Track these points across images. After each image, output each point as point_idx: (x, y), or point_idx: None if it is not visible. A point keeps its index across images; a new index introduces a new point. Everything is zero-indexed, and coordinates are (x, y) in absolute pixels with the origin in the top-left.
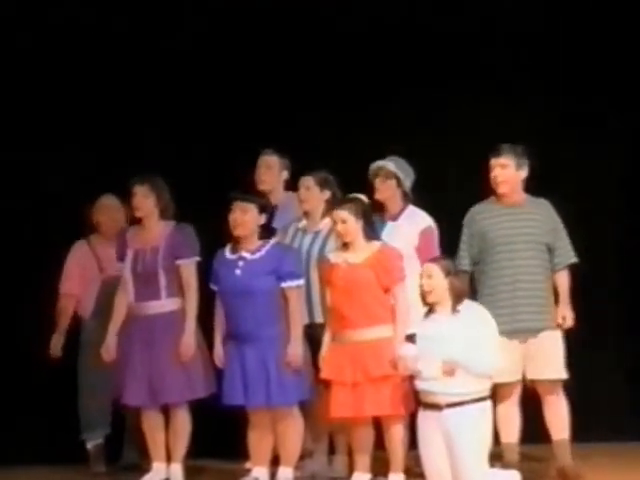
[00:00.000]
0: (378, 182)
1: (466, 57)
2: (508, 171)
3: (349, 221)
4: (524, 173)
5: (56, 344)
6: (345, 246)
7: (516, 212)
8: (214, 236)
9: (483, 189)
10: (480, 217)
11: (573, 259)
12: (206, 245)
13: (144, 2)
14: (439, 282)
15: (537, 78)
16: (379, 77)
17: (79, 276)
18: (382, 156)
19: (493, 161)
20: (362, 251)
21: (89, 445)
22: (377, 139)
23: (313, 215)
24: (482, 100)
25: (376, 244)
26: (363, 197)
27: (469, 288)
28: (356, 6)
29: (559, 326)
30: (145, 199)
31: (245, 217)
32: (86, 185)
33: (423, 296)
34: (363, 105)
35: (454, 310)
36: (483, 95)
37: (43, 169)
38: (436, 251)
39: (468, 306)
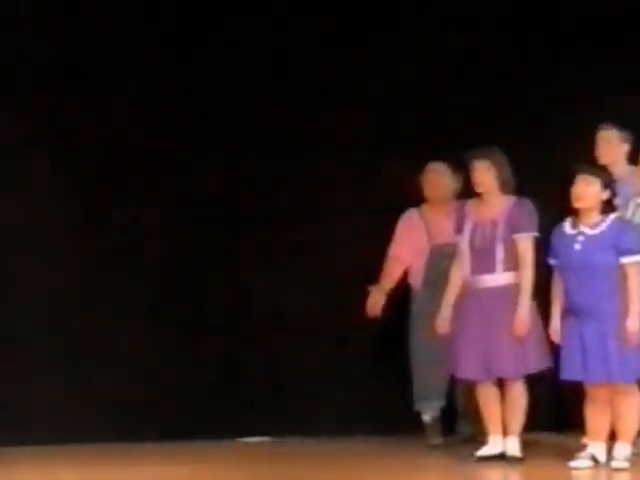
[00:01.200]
0: None
1: None
2: None
3: None
4: None
5: (375, 303)
6: None
7: None
8: (552, 212)
9: None
10: None
11: None
12: (545, 220)
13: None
14: None
15: None
16: None
17: (409, 244)
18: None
19: None
20: None
21: (425, 417)
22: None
23: None
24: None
25: None
26: None
27: None
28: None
29: None
30: (486, 174)
31: (588, 190)
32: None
33: None
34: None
35: None
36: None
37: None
38: None
39: None
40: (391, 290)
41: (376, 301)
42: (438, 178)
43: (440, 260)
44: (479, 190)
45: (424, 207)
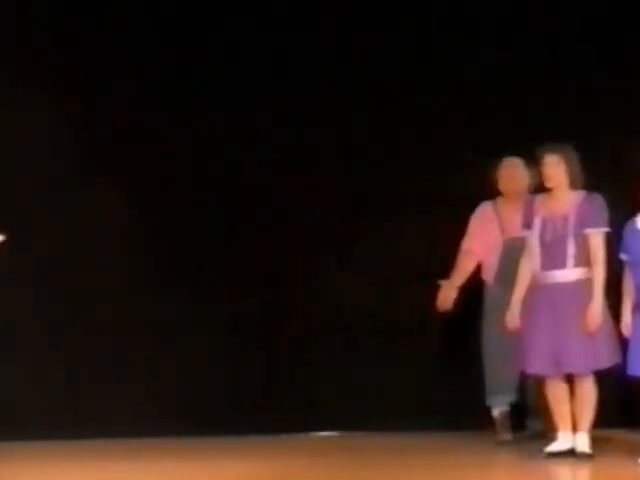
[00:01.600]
0: None
1: None
2: None
3: None
4: None
5: (446, 297)
6: None
7: None
8: (624, 208)
9: None
10: None
11: None
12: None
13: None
14: None
15: None
16: None
17: (482, 237)
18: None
19: None
20: None
21: (495, 412)
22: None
23: None
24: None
25: None
26: None
27: None
28: None
29: None
30: (556, 168)
31: None
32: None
33: None
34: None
35: None
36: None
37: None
38: None
39: None
40: (463, 284)
41: (447, 295)
42: (513, 172)
43: (513, 254)
44: (549, 185)
45: (498, 201)
